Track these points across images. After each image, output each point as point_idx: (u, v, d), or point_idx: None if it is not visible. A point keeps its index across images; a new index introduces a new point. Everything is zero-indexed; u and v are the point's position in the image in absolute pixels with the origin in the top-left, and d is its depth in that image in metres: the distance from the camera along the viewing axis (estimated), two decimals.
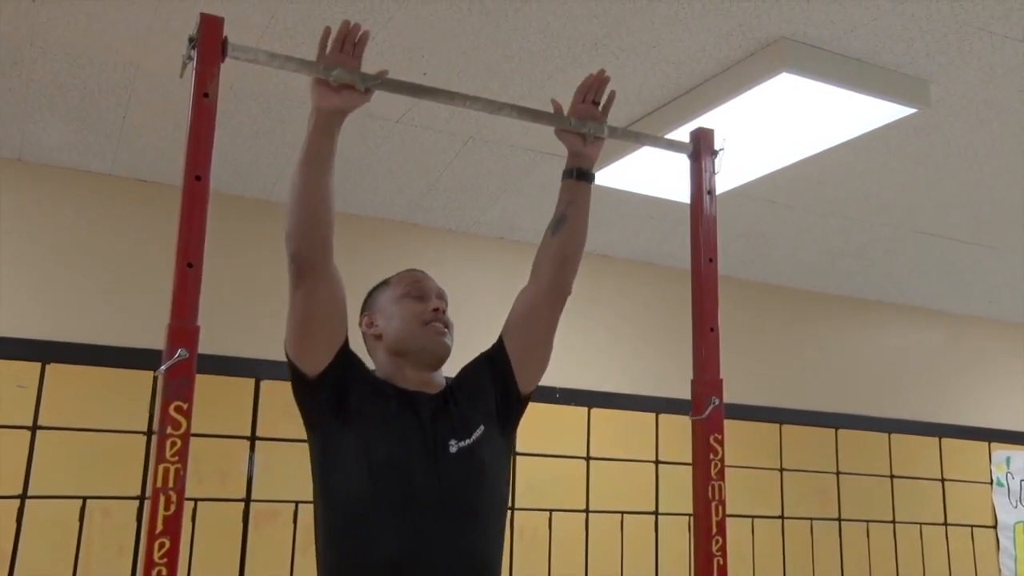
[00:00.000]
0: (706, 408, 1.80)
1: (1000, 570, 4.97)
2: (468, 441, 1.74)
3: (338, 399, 1.71)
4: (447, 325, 1.84)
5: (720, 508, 1.75)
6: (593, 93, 1.86)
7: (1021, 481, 5.14)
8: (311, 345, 1.70)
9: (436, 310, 1.82)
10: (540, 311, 1.88)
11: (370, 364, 1.86)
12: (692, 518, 1.82)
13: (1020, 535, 5.05)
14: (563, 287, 1.90)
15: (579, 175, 1.90)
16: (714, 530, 1.74)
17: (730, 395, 1.85)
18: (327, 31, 1.62)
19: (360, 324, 1.88)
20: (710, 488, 1.75)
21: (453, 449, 1.72)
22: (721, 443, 1.78)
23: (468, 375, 1.88)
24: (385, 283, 1.91)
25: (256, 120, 3.02)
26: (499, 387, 1.85)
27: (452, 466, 1.70)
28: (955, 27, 2.36)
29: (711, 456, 1.76)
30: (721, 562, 1.73)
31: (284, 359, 3.78)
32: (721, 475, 1.76)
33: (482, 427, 1.78)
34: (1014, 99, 2.74)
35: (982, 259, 4.36)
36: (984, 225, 3.90)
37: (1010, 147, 3.09)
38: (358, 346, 1.83)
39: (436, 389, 1.82)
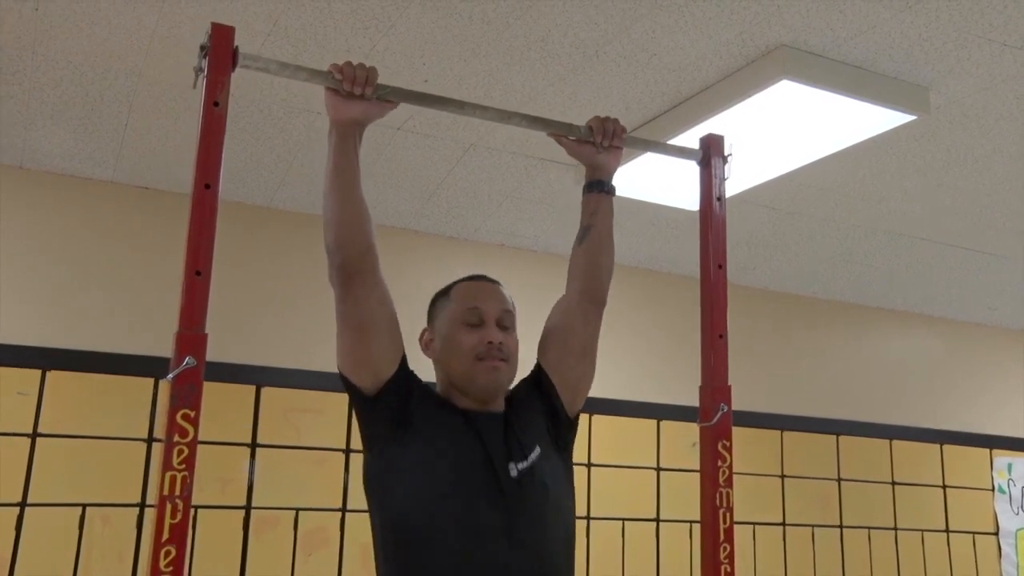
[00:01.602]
0: (715, 415, 1.80)
1: None
2: (525, 464, 1.67)
3: (400, 414, 1.65)
4: (506, 357, 1.72)
5: (728, 515, 1.75)
6: (609, 139, 1.83)
7: (1023, 488, 5.14)
8: (367, 358, 1.64)
9: (492, 343, 1.70)
10: (574, 324, 1.84)
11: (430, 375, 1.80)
12: (695, 525, 1.82)
13: (1022, 542, 5.04)
14: (596, 297, 1.86)
15: (599, 188, 1.88)
16: (722, 537, 1.74)
17: (732, 402, 1.86)
18: (335, 67, 1.61)
19: (420, 339, 1.81)
20: (718, 495, 1.75)
21: (514, 472, 1.65)
22: (729, 450, 1.78)
23: (519, 398, 1.80)
24: (446, 294, 1.82)
25: (259, 127, 3.02)
26: (547, 411, 1.79)
27: (514, 489, 1.63)
28: (954, 35, 2.37)
29: (719, 463, 1.76)
30: (729, 570, 1.73)
31: (285, 366, 3.78)
32: (729, 482, 1.76)
33: (538, 448, 1.71)
34: (1013, 106, 2.75)
35: (983, 266, 4.37)
36: (984, 232, 3.91)
37: (1010, 154, 3.10)
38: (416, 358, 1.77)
39: (497, 408, 1.76)
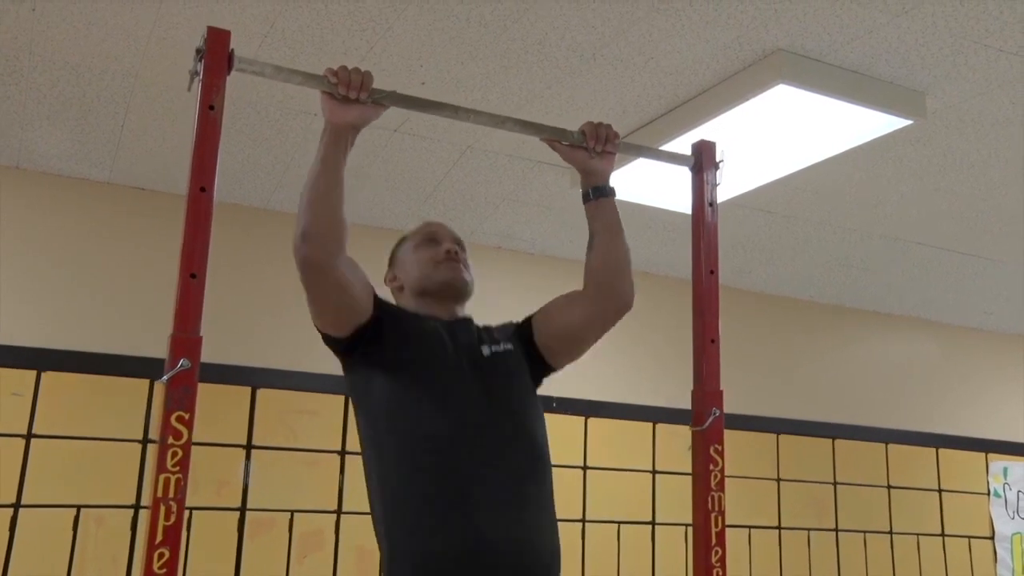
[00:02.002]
0: (707, 419, 1.80)
1: None
2: (499, 348, 1.81)
3: (376, 334, 1.74)
4: (464, 264, 1.90)
5: (720, 519, 1.75)
6: (602, 144, 1.85)
7: (1019, 492, 5.15)
8: (342, 320, 1.72)
9: (448, 251, 1.87)
10: (591, 319, 1.88)
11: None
12: (690, 528, 1.82)
13: (1017, 546, 5.05)
14: (617, 299, 1.88)
15: (595, 194, 1.88)
16: (714, 541, 1.75)
17: (727, 405, 1.86)
18: (330, 71, 1.63)
19: (384, 281, 1.95)
20: (710, 499, 1.75)
21: (487, 352, 1.79)
22: (721, 454, 1.78)
23: (496, 326, 1.93)
24: (403, 238, 1.97)
25: (255, 129, 3.03)
26: (523, 342, 1.88)
27: (488, 365, 1.77)
28: (950, 40, 2.38)
29: (711, 467, 1.77)
30: (721, 573, 1.73)
31: (280, 367, 3.78)
32: (721, 486, 1.76)
33: (511, 344, 1.84)
34: (1009, 111, 2.75)
35: (979, 270, 4.38)
36: (980, 236, 3.92)
37: (1006, 158, 3.10)
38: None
39: (465, 316, 1.90)
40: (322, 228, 1.61)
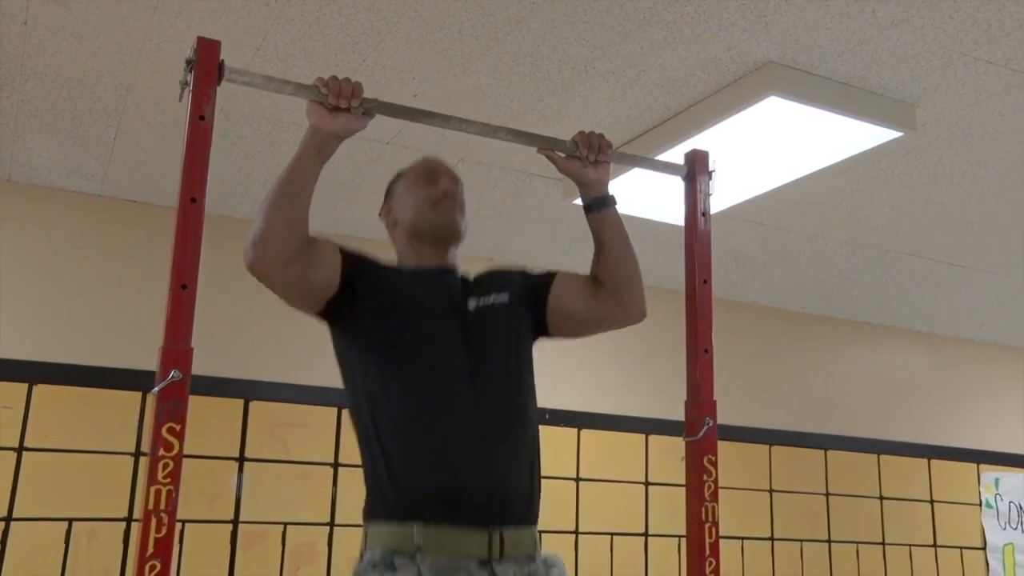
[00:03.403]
0: (700, 429, 1.80)
1: None
2: (487, 300, 1.77)
3: (347, 299, 1.71)
4: (459, 206, 1.86)
5: (713, 530, 1.75)
6: (595, 153, 1.85)
7: (1010, 503, 5.16)
8: (305, 303, 1.71)
9: (445, 192, 1.83)
10: (596, 319, 1.88)
11: (391, 254, 1.89)
12: (683, 540, 1.82)
13: (1009, 557, 5.05)
14: (623, 311, 1.87)
15: (596, 205, 1.87)
16: (707, 552, 1.74)
17: (719, 416, 1.86)
18: (320, 80, 1.63)
19: (380, 214, 1.94)
20: (703, 509, 1.75)
21: (472, 306, 1.76)
22: (715, 464, 1.78)
23: (498, 271, 1.90)
24: (401, 173, 1.94)
25: (247, 141, 3.03)
26: (527, 288, 1.85)
27: (472, 319, 1.73)
28: (940, 52, 2.40)
29: (705, 477, 1.77)
30: None
31: (272, 380, 3.76)
32: (715, 496, 1.76)
33: (506, 295, 1.80)
34: (999, 123, 2.77)
35: (970, 281, 4.40)
36: (972, 248, 3.93)
37: (995, 170, 3.12)
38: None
39: (454, 265, 1.87)
40: (275, 236, 1.57)
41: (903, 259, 4.10)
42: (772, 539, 4.47)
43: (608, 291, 1.85)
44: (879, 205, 3.48)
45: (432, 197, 1.83)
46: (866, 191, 3.35)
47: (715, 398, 1.86)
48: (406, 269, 1.83)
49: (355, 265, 1.74)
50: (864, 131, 2.69)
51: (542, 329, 1.86)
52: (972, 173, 3.15)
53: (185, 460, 1.37)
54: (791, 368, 4.88)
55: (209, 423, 3.40)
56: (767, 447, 4.59)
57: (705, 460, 1.78)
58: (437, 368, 1.68)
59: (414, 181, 1.88)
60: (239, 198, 3.48)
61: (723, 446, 1.76)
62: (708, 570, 1.73)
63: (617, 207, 1.88)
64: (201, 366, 1.41)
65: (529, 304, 1.84)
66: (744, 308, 4.78)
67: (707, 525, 1.75)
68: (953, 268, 4.20)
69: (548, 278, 1.87)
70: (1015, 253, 3.98)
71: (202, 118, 1.49)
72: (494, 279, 1.86)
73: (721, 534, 1.77)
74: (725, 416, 1.92)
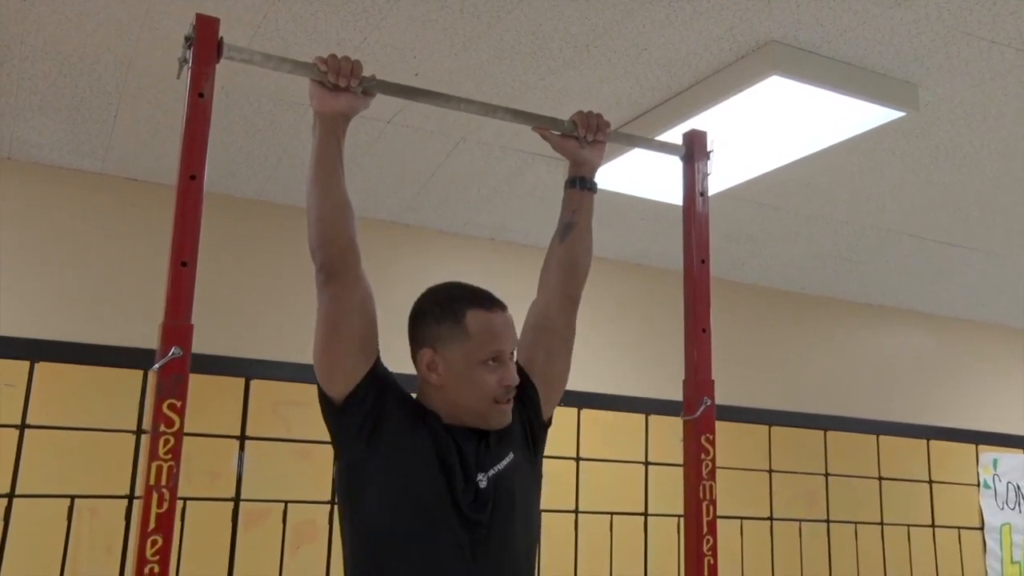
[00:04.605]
0: (698, 408, 1.81)
1: (987, 572, 5.00)
2: (494, 471, 1.65)
3: (371, 424, 1.61)
4: (515, 393, 1.71)
5: (711, 508, 1.76)
6: (593, 133, 1.84)
7: (1008, 483, 5.18)
8: (339, 358, 1.61)
9: (509, 386, 1.67)
10: (554, 321, 1.82)
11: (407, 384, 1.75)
12: (682, 519, 1.83)
13: (1006, 537, 5.08)
14: (574, 294, 1.85)
15: (581, 184, 1.88)
16: (705, 530, 1.76)
17: (719, 396, 1.87)
18: (320, 59, 1.61)
19: (415, 357, 1.71)
20: (701, 488, 1.76)
21: (483, 483, 1.63)
22: (712, 443, 1.79)
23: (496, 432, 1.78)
24: (457, 320, 1.67)
25: (248, 120, 3.02)
26: (526, 418, 1.76)
27: (481, 501, 1.62)
28: (943, 32, 2.39)
29: (702, 456, 1.78)
30: (712, 562, 1.74)
31: (274, 359, 3.78)
32: (712, 475, 1.77)
33: (511, 455, 1.69)
34: (1002, 103, 2.76)
35: (971, 262, 4.39)
36: (973, 228, 3.93)
37: (997, 151, 3.11)
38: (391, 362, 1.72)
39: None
40: (326, 217, 1.57)
41: (904, 240, 4.09)
42: (771, 519, 4.49)
43: (560, 271, 1.84)
44: (880, 186, 3.48)
45: (496, 392, 1.64)
46: (868, 172, 3.34)
47: (713, 378, 1.87)
48: (432, 415, 1.66)
49: (384, 376, 1.63)
50: (866, 111, 2.69)
51: (540, 427, 1.79)
52: (974, 153, 3.15)
53: (186, 438, 1.38)
54: (791, 349, 4.89)
55: (210, 402, 3.41)
56: (767, 427, 4.60)
57: (703, 439, 1.79)
58: (436, 547, 1.58)
59: (482, 357, 1.65)
60: (240, 177, 3.48)
61: (722, 426, 1.77)
62: (705, 548, 1.74)
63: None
64: (202, 345, 1.42)
65: (529, 431, 1.76)
66: (744, 289, 4.78)
67: (704, 503, 1.76)
68: (954, 249, 4.20)
69: (531, 393, 1.78)
70: (1016, 234, 3.98)
71: (201, 95, 1.49)
72: (498, 437, 1.71)
73: (720, 514, 1.78)
74: (724, 396, 1.93)
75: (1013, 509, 5.14)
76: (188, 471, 3.28)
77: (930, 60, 2.53)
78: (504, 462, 1.67)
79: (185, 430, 1.38)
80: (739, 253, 4.32)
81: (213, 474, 3.38)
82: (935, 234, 4.01)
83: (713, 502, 1.77)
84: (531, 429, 1.77)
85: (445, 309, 1.68)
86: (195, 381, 1.40)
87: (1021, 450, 5.30)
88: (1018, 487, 5.19)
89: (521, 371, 1.75)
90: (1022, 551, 5.08)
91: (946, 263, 4.42)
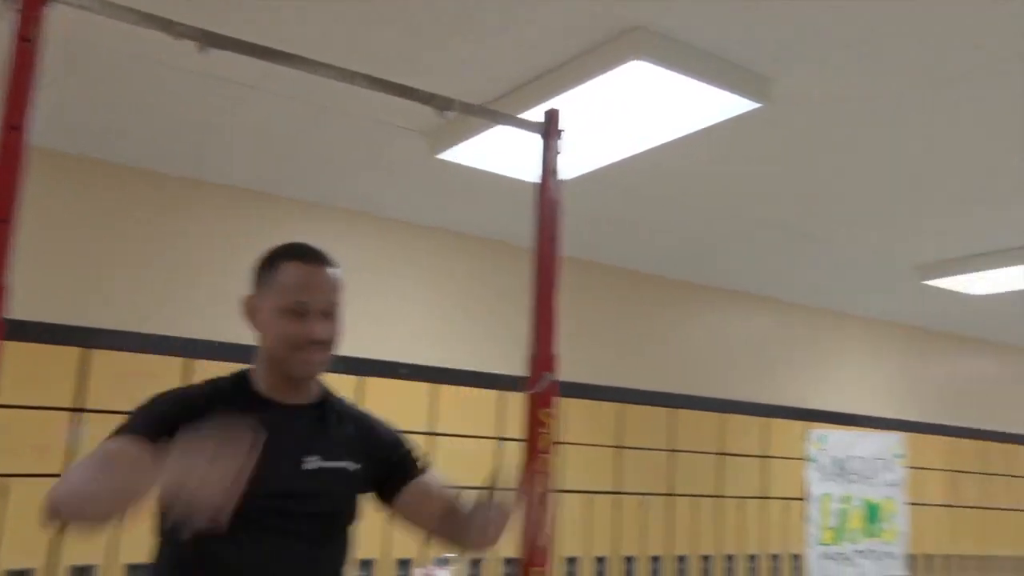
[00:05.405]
0: (538, 383, 1.83)
1: (805, 537, 5.38)
2: (330, 464, 1.67)
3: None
4: (324, 348, 1.67)
5: (544, 480, 1.79)
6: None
7: (833, 457, 5.59)
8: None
9: (313, 340, 1.64)
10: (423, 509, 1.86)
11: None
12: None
13: (824, 504, 5.50)
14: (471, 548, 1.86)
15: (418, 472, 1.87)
16: (537, 502, 1.78)
17: (573, 374, 1.90)
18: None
19: (243, 303, 1.72)
20: (538, 461, 1.79)
21: (310, 465, 1.65)
22: (552, 417, 1.82)
23: (372, 430, 1.81)
24: (274, 266, 1.69)
25: (90, 72, 2.84)
26: (374, 472, 1.79)
27: (303, 483, 1.63)
28: (795, 28, 2.48)
29: (541, 430, 1.80)
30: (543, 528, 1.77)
31: (115, 328, 3.58)
32: (547, 449, 1.80)
33: (357, 466, 1.73)
34: (849, 99, 2.90)
35: (810, 251, 4.64)
36: (815, 218, 4.15)
37: (841, 144, 3.28)
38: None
39: (308, 399, 1.74)
40: (97, 523, 1.49)
41: (754, 227, 4.28)
42: (618, 493, 4.63)
43: (442, 528, 1.85)
44: (734, 174, 3.62)
45: (296, 341, 1.63)
46: (722, 160, 3.46)
47: (570, 358, 1.90)
48: (243, 400, 1.65)
49: (169, 432, 1.50)
50: (724, 100, 2.77)
51: (376, 495, 1.82)
52: (820, 147, 3.31)
53: (15, 411, 1.28)
54: (646, 330, 5.05)
55: (46, 371, 3.21)
56: (620, 405, 4.74)
57: (542, 413, 1.82)
58: (250, 523, 1.50)
59: (282, 310, 1.64)
60: (78, 134, 3.26)
61: (576, 403, 1.80)
62: (535, 517, 1.76)
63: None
64: (33, 311, 1.32)
65: (375, 480, 1.78)
66: (602, 269, 4.89)
67: (538, 476, 1.78)
68: (798, 237, 4.42)
69: (409, 469, 1.83)
70: (852, 225, 4.23)
71: (27, 40, 1.38)
72: (354, 438, 1.74)
73: (571, 488, 1.81)
74: (579, 374, 1.97)
75: (833, 481, 5.56)
76: (14, 446, 3.06)
77: (784, 54, 2.63)
78: (342, 463, 1.71)
79: (12, 402, 1.28)
80: (598, 235, 4.40)
81: (41, 448, 3.17)
82: (782, 223, 4.21)
83: (547, 474, 1.80)
84: (373, 478, 1.79)
85: (269, 260, 1.72)
86: (26, 350, 1.31)
87: (845, 427, 5.71)
88: (841, 461, 5.60)
89: (395, 464, 1.81)
90: (837, 517, 5.47)
91: (790, 251, 4.65)
